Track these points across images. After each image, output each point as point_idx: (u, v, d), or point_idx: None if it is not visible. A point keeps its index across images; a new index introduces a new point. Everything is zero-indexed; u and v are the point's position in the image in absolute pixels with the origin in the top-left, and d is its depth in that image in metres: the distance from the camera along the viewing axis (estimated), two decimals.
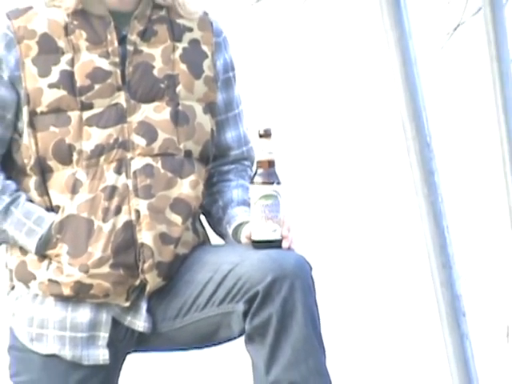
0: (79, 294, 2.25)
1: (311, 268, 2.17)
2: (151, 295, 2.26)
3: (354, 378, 4.47)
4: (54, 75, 2.25)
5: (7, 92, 2.28)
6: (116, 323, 2.28)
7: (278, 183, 2.21)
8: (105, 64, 2.26)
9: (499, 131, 2.69)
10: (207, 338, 2.27)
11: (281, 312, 2.14)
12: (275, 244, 2.21)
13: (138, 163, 2.26)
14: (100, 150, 2.25)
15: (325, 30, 5.69)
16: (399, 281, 4.71)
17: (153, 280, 2.23)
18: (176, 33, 2.33)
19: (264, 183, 2.20)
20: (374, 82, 5.07)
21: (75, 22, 2.26)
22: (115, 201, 2.23)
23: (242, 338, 2.25)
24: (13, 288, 2.33)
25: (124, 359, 2.34)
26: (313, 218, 5.25)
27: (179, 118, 2.30)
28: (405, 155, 2.35)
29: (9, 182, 2.30)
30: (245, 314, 2.16)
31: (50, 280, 2.25)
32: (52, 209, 2.28)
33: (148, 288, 2.23)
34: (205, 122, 2.34)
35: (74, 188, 2.25)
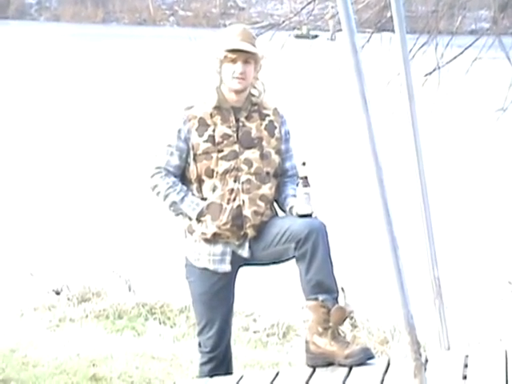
0: (215, 239, 3.29)
1: (325, 226, 3.19)
2: (250, 239, 3.29)
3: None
4: (205, 136, 3.28)
5: (184, 144, 3.31)
6: (233, 252, 3.32)
7: (309, 186, 3.26)
8: (229, 131, 3.30)
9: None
10: (278, 259, 3.28)
11: (311, 247, 3.13)
12: (309, 215, 3.23)
13: (243, 178, 3.28)
14: (226, 171, 3.27)
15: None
16: None
17: (250, 232, 3.28)
18: (261, 116, 3.36)
19: (304, 187, 3.26)
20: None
21: (215, 111, 3.31)
22: (233, 195, 3.25)
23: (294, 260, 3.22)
24: (185, 236, 3.39)
25: (238, 270, 3.37)
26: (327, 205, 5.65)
27: (263, 156, 3.32)
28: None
29: (184, 186, 3.34)
30: (295, 248, 3.17)
31: (201, 232, 3.31)
32: (203, 198, 3.29)
33: (248, 236, 3.28)
34: (276, 158, 3.36)
35: (214, 189, 3.29)
